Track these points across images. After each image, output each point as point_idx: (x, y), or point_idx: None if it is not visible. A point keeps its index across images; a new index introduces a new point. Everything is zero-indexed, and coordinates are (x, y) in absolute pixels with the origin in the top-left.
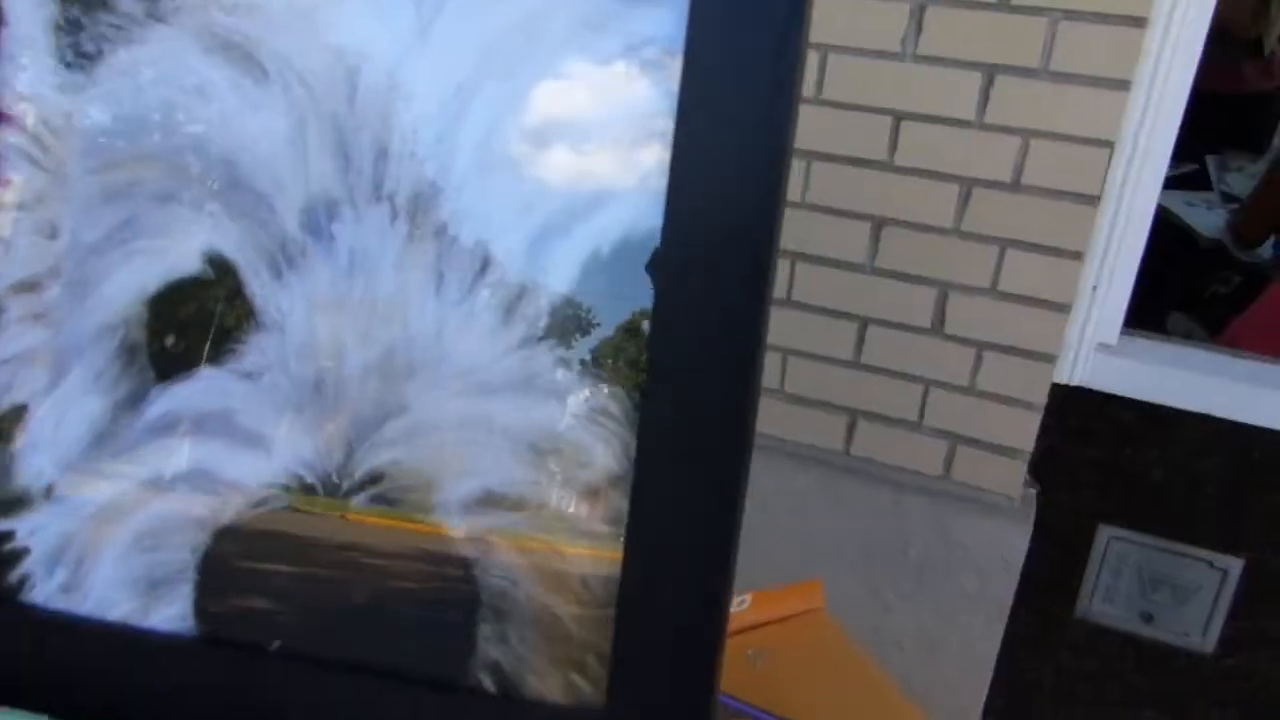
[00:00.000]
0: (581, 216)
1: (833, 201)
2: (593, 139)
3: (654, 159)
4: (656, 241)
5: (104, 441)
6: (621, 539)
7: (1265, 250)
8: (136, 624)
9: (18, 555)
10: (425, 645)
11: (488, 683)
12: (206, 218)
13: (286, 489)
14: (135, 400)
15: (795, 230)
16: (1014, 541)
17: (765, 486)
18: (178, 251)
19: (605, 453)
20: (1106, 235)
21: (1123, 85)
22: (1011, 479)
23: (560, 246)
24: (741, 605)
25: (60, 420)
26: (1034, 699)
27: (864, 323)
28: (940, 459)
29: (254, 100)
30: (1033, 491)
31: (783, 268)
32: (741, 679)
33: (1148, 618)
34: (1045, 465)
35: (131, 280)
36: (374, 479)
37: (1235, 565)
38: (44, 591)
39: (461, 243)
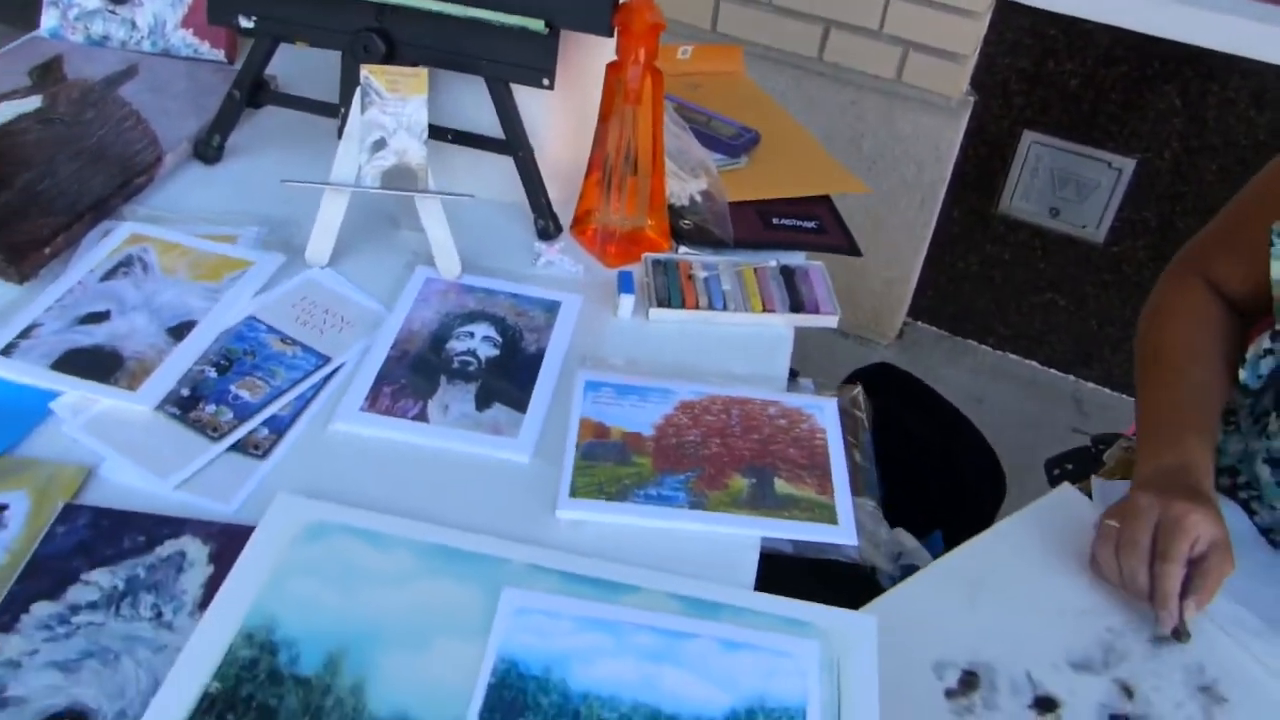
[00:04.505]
0: None
1: None
2: None
3: None
4: None
5: None
6: None
7: None
8: None
9: None
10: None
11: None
12: None
13: None
14: None
15: None
16: (948, 136)
17: None
18: None
19: None
20: None
21: None
22: (954, 82)
23: None
24: (685, 55)
25: None
26: (960, 284)
27: None
28: (895, 64)
29: None
30: (971, 98)
31: None
32: (687, 95)
33: (1055, 212)
34: (982, 77)
35: None
36: None
37: (1129, 164)
38: None
39: None
